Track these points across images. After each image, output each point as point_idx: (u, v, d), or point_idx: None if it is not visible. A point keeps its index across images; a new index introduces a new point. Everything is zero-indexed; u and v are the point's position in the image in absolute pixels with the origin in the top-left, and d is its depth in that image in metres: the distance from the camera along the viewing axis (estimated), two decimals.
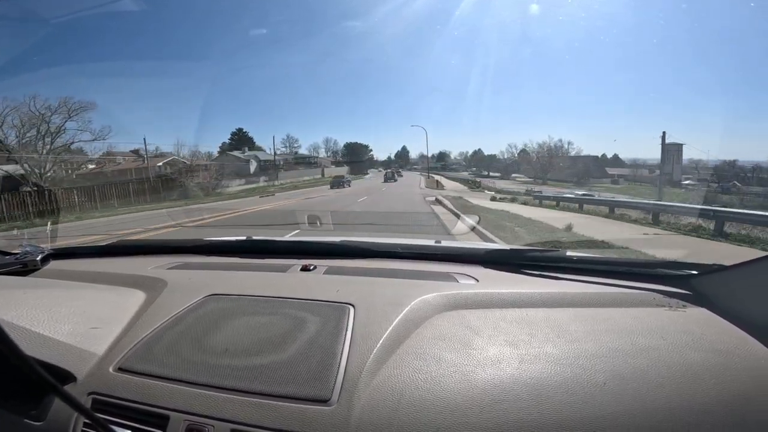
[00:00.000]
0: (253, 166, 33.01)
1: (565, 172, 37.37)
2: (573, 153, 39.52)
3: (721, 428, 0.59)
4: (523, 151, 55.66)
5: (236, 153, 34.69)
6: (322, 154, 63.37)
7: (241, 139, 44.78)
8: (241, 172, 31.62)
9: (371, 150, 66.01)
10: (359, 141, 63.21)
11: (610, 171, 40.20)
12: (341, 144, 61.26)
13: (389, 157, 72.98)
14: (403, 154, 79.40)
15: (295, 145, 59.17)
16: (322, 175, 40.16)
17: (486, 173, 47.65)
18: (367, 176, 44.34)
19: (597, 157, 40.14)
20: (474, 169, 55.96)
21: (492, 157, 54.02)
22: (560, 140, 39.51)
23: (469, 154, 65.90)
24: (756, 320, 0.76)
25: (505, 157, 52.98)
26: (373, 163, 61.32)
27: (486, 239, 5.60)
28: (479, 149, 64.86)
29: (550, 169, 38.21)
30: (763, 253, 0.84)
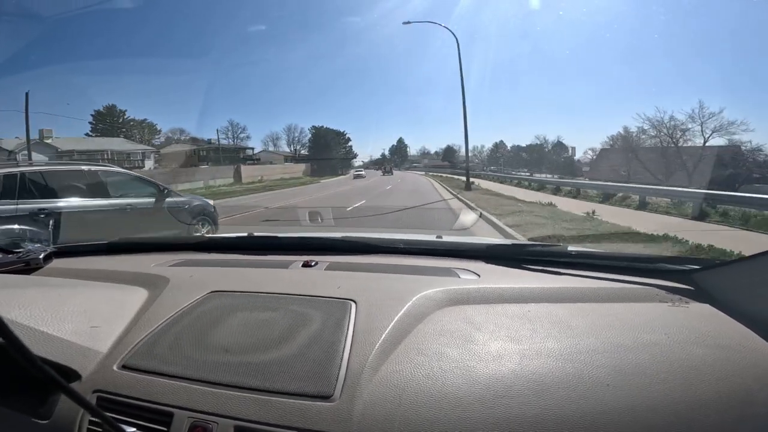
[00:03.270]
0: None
1: (696, 174, 20.02)
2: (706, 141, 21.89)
3: (723, 424, 0.59)
4: (559, 143, 38.93)
5: None
6: (283, 146, 45.68)
7: (113, 120, 26.85)
8: None
9: (349, 139, 48.46)
10: (334, 127, 46.23)
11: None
12: (308, 133, 43.94)
13: (383, 154, 57.88)
14: (399, 148, 62.53)
15: (242, 135, 41.27)
16: (236, 178, 22.01)
17: (528, 173, 30.11)
18: (344, 176, 32.26)
19: (738, 147, 22.66)
20: (494, 167, 38.79)
21: (537, 148, 36.29)
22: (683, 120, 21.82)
23: (486, 149, 49.12)
24: (758, 316, 0.76)
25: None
26: (350, 161, 44.33)
27: None
28: (501, 141, 47.96)
29: (672, 168, 20.67)
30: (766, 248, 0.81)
